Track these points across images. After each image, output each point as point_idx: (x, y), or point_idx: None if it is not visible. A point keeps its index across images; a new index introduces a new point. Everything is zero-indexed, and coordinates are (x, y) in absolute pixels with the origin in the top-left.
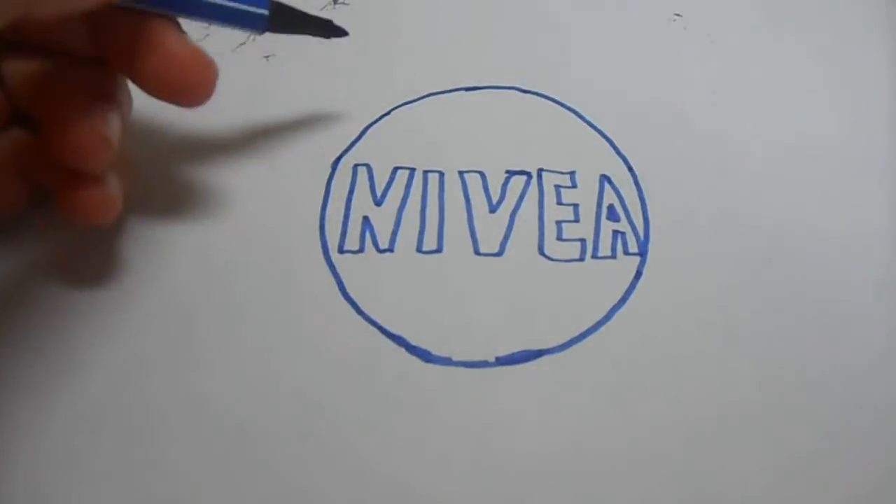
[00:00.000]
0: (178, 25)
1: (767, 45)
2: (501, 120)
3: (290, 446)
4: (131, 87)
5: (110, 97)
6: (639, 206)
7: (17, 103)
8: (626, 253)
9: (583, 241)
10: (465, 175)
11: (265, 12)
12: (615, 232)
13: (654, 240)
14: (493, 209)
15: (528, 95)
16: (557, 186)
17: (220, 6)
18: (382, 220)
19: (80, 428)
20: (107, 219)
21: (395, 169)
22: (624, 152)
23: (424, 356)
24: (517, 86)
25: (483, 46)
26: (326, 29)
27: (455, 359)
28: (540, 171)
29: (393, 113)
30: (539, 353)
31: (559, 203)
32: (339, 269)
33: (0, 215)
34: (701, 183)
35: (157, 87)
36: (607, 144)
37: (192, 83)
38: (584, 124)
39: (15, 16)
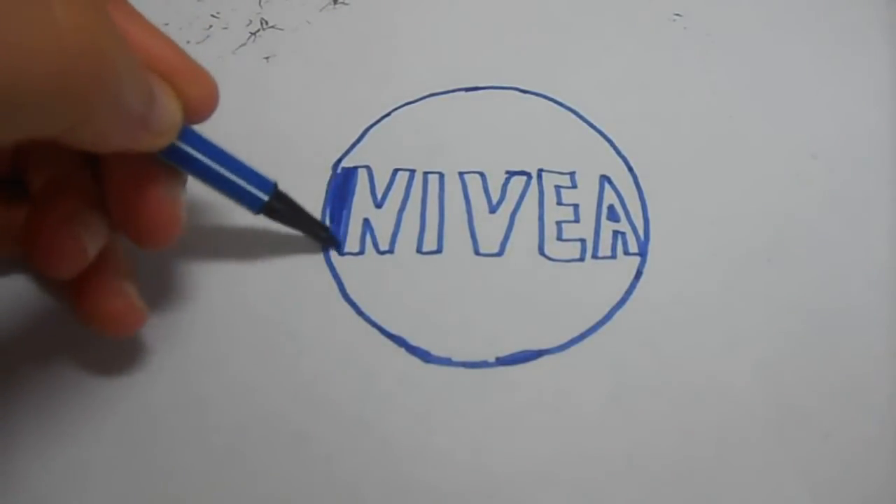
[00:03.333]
0: (178, 179)
1: (767, 45)
2: (501, 120)
3: (290, 446)
4: None
5: (97, 204)
6: (639, 206)
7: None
8: (626, 253)
9: (583, 241)
10: (466, 176)
11: (265, 197)
12: (615, 232)
13: (654, 240)
14: (493, 210)
15: (528, 95)
16: (557, 187)
17: (227, 178)
18: (382, 222)
19: (80, 429)
20: (130, 330)
21: (396, 171)
22: (624, 152)
23: (424, 356)
24: (517, 86)
25: (483, 46)
26: (320, 231)
27: (455, 359)
28: (540, 171)
29: (393, 114)
30: (539, 353)
31: (559, 203)
32: (339, 271)
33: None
34: (701, 183)
35: (123, 221)
36: (607, 144)
37: (153, 233)
38: (584, 124)
39: (52, 136)
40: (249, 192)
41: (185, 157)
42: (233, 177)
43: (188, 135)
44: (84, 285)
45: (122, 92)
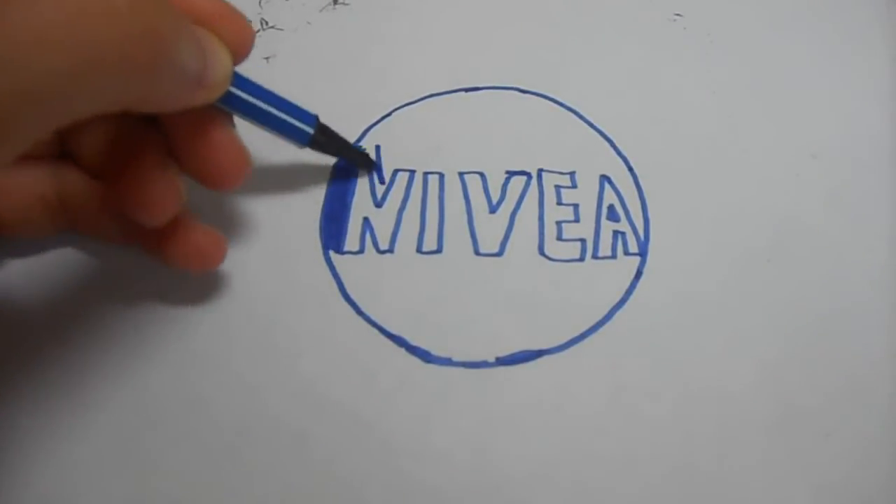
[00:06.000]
0: (229, 118)
1: (767, 45)
2: (501, 120)
3: (290, 446)
4: None
5: (169, 152)
6: (639, 206)
7: (88, 166)
8: (626, 253)
9: (583, 241)
10: (465, 176)
11: (310, 130)
12: (615, 232)
13: (654, 240)
14: (493, 210)
15: (528, 95)
16: (557, 186)
17: (274, 116)
18: (382, 221)
19: (80, 429)
20: (219, 261)
21: (396, 171)
22: (624, 152)
23: (424, 356)
24: (517, 86)
25: (483, 46)
26: (361, 158)
27: (455, 359)
28: (540, 171)
29: (393, 114)
30: (539, 353)
31: (559, 203)
32: (339, 270)
33: (23, 237)
34: (701, 183)
35: (193, 169)
36: (607, 144)
37: (227, 172)
38: (584, 124)
39: (121, 109)
40: (297, 128)
41: (237, 101)
42: (281, 114)
43: (236, 79)
44: (174, 228)
45: (180, 60)
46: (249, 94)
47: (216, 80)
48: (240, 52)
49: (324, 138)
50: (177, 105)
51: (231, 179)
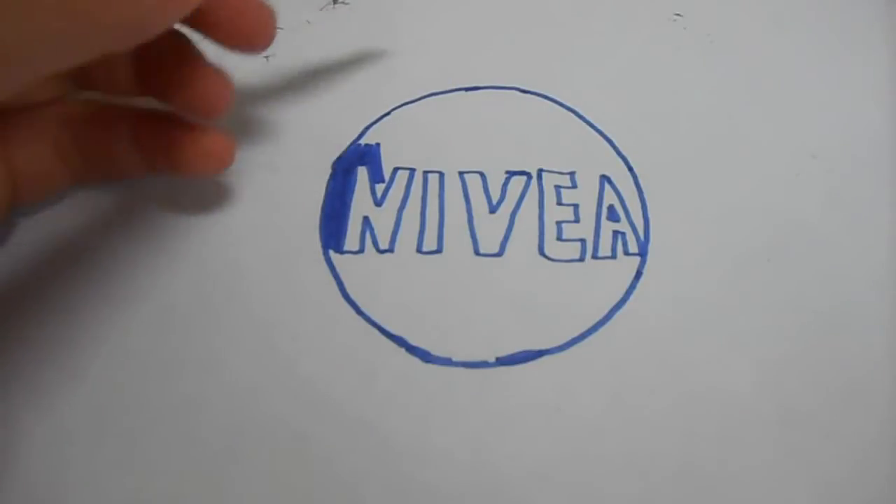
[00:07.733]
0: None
1: (767, 45)
2: (501, 120)
3: (290, 446)
4: None
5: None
6: (639, 206)
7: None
8: (626, 253)
9: (583, 241)
10: (466, 175)
11: None
12: (615, 232)
13: (654, 240)
14: (493, 209)
15: (528, 95)
16: (557, 187)
17: None
18: (382, 221)
19: (80, 429)
20: (228, 163)
21: (396, 169)
22: (624, 152)
23: (424, 356)
24: (517, 86)
25: (483, 46)
26: None
27: (455, 359)
28: (540, 171)
29: (393, 113)
30: (539, 353)
31: (559, 203)
32: (338, 270)
33: (42, 198)
34: (701, 183)
35: (222, 34)
36: (607, 144)
37: (254, 30)
38: (584, 124)
39: (95, 56)
40: None
41: None
42: None
43: None
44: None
45: None
46: None
47: None
48: None
49: None
50: (155, 23)
51: (260, 36)
